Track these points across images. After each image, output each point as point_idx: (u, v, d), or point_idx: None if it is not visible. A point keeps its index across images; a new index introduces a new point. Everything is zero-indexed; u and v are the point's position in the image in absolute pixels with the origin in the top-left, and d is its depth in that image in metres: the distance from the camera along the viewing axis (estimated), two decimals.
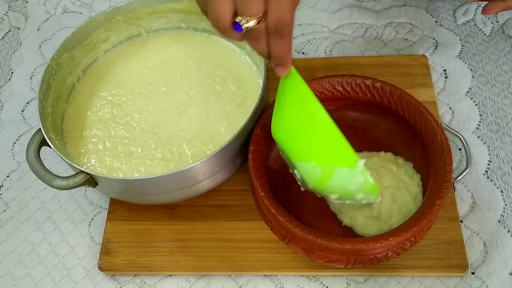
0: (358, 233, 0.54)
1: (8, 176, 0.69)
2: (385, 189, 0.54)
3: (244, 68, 0.65)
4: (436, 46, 0.73)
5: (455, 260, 0.55)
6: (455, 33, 0.74)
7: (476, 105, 0.67)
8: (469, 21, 0.75)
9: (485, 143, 0.64)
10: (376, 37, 0.75)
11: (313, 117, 0.48)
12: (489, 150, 0.64)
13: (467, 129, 0.65)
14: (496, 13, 0.67)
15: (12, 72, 0.79)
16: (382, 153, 0.58)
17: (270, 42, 0.43)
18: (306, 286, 0.57)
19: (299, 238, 0.50)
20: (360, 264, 0.51)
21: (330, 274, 0.57)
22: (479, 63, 0.71)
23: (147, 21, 0.68)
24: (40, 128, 0.55)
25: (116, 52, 0.68)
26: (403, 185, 0.55)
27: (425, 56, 0.70)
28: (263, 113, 0.56)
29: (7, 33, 0.84)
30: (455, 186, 0.59)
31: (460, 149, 0.63)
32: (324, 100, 0.59)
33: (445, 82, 0.69)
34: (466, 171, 0.58)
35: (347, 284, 0.56)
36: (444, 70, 0.71)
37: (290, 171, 0.54)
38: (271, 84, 0.57)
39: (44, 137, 0.55)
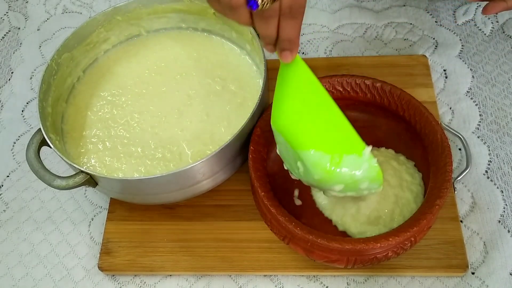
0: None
1: (8, 176, 0.69)
2: (388, 188, 0.54)
3: (244, 68, 0.65)
4: (436, 46, 0.73)
5: (455, 260, 0.55)
6: (455, 33, 0.74)
7: (476, 105, 0.67)
8: (469, 21, 0.75)
9: (485, 143, 0.64)
10: (376, 37, 0.75)
11: (320, 104, 0.47)
12: (489, 150, 0.64)
13: (467, 129, 0.65)
14: (496, 13, 0.67)
15: (12, 72, 0.79)
16: (383, 149, 0.58)
17: (282, 23, 0.42)
18: (306, 286, 0.57)
19: (299, 238, 0.50)
20: (360, 264, 0.50)
21: (330, 274, 0.57)
22: (479, 63, 0.71)
23: (147, 21, 0.68)
24: (40, 128, 0.55)
25: (116, 52, 0.68)
26: (406, 184, 0.55)
27: (425, 56, 0.70)
28: (263, 113, 0.56)
29: (7, 33, 0.84)
30: (455, 186, 0.59)
31: (460, 149, 0.63)
32: None
33: (445, 82, 0.69)
34: (466, 171, 0.58)
35: (347, 284, 0.56)
36: (444, 70, 0.71)
37: (285, 166, 0.53)
38: (271, 84, 0.57)
39: (44, 137, 0.55)
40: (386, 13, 0.77)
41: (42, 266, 0.61)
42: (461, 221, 0.59)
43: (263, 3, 0.40)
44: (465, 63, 0.71)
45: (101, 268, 0.59)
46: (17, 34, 0.83)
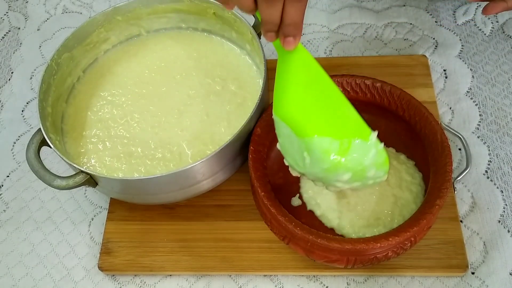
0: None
1: (8, 176, 0.69)
2: (387, 188, 0.54)
3: (244, 68, 0.65)
4: (436, 46, 0.73)
5: (455, 260, 0.55)
6: (455, 33, 0.74)
7: (476, 105, 0.67)
8: (469, 21, 0.75)
9: (485, 143, 0.64)
10: (376, 37, 0.75)
11: (324, 90, 0.46)
12: (489, 150, 0.64)
13: (467, 129, 0.65)
14: (497, 13, 0.67)
15: (12, 72, 0.79)
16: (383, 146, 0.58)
17: (286, 6, 0.42)
18: (306, 286, 0.57)
19: (299, 238, 0.50)
20: (360, 264, 0.51)
21: (330, 274, 0.57)
22: (479, 63, 0.71)
23: (147, 21, 0.68)
24: (40, 128, 0.55)
25: (116, 52, 0.68)
26: (405, 184, 0.55)
27: (425, 56, 0.70)
28: (263, 113, 0.56)
29: (7, 33, 0.84)
30: (455, 186, 0.59)
31: (460, 149, 0.63)
32: None
33: (445, 82, 0.69)
34: (466, 171, 0.58)
35: (347, 284, 0.56)
36: (444, 70, 0.71)
37: (286, 162, 0.51)
38: (271, 84, 0.57)
39: (44, 137, 0.55)
40: (386, 13, 0.77)
41: (42, 266, 0.61)
42: (461, 221, 0.59)
43: None
44: (465, 63, 0.71)
45: (101, 268, 0.59)
46: (17, 34, 0.84)
